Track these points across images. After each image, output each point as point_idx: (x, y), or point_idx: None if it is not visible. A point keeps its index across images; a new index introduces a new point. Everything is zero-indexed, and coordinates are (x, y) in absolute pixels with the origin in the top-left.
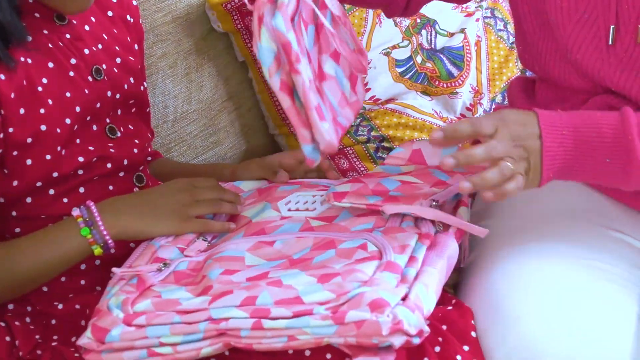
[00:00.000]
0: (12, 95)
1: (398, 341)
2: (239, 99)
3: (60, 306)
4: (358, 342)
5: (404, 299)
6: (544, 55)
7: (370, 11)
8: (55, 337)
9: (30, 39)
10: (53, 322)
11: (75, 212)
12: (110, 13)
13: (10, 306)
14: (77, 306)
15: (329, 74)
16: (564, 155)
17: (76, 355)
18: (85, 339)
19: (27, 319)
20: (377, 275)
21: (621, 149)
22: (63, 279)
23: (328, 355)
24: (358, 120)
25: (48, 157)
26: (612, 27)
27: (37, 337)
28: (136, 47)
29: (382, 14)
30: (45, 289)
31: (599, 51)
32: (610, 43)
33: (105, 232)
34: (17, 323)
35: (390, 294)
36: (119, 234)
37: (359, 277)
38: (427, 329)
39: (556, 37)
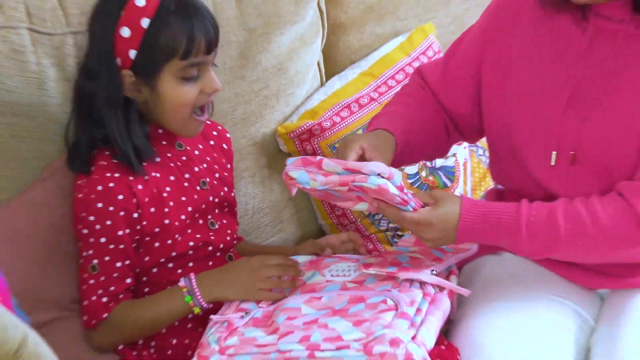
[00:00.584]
0: (146, 200)
1: None
2: (297, 200)
3: (174, 341)
4: None
5: (413, 338)
6: (510, 173)
7: None
8: None
9: (158, 159)
10: (169, 352)
11: (181, 283)
12: (212, 142)
13: (140, 341)
14: (186, 341)
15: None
16: (473, 232)
17: None
18: None
19: (152, 350)
20: (394, 321)
21: (511, 237)
22: (176, 323)
23: None
24: (380, 217)
25: (169, 241)
26: (554, 152)
27: None
28: (228, 166)
29: None
30: (163, 330)
31: (546, 169)
32: (552, 164)
33: (201, 300)
34: (144, 353)
35: (404, 334)
36: (210, 300)
37: (381, 323)
38: (427, 358)
39: (518, 159)
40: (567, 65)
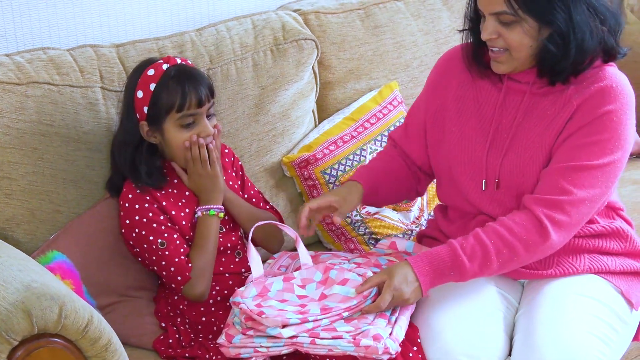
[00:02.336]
0: (164, 203)
1: (386, 357)
2: (297, 210)
3: (203, 318)
4: (365, 355)
5: (390, 334)
6: (451, 195)
7: (366, 163)
8: (200, 336)
9: (167, 181)
10: (199, 327)
11: (197, 214)
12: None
13: (179, 319)
14: (213, 319)
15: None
16: (430, 275)
17: (211, 345)
18: (221, 339)
19: (187, 325)
20: (375, 320)
21: (456, 264)
22: (202, 308)
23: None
24: (359, 224)
25: (187, 237)
26: (483, 180)
27: (191, 335)
28: (234, 175)
29: None
30: (195, 311)
31: (479, 193)
32: (483, 189)
33: (214, 207)
34: (182, 328)
35: (383, 331)
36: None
37: (366, 321)
38: (399, 350)
39: (457, 186)
40: (488, 116)
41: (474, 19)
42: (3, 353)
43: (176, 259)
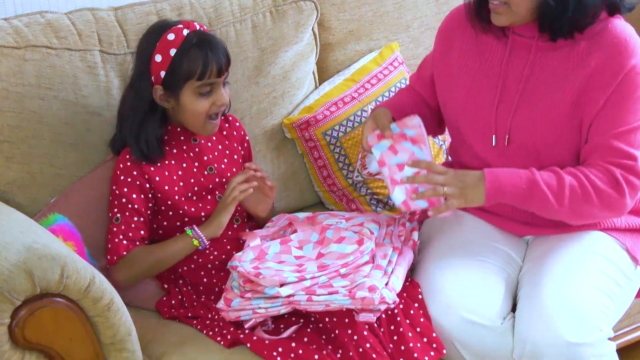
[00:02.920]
0: (157, 179)
1: (383, 307)
2: (298, 174)
3: (205, 280)
4: (362, 307)
5: (386, 284)
6: (462, 152)
7: None
8: (203, 297)
9: (175, 151)
10: (201, 288)
11: (190, 233)
12: (224, 132)
13: (180, 281)
14: (214, 280)
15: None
16: (498, 182)
17: (213, 305)
18: (220, 304)
19: (189, 287)
20: (372, 272)
21: (530, 181)
22: (202, 272)
23: (344, 309)
24: (360, 185)
25: (181, 211)
26: (493, 135)
27: (194, 296)
28: (240, 149)
29: None
30: (195, 274)
31: (489, 149)
32: (493, 144)
33: (202, 235)
34: (184, 289)
35: (379, 282)
36: (209, 235)
37: (362, 274)
38: (397, 300)
39: (467, 142)
40: (495, 71)
41: None
42: (6, 312)
43: (116, 239)
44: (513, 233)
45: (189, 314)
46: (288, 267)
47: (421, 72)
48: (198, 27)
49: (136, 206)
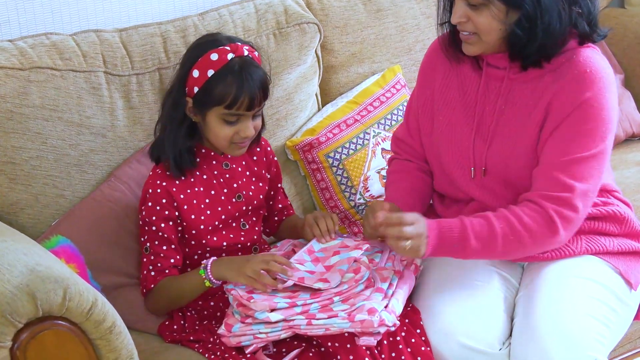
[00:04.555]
0: (185, 207)
1: (383, 329)
2: (302, 194)
3: (208, 304)
4: (362, 330)
5: (385, 307)
6: (443, 183)
7: (370, 146)
8: (205, 322)
9: (205, 176)
10: (205, 312)
11: (203, 262)
12: (255, 157)
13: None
14: (218, 304)
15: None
16: (435, 241)
17: (216, 329)
18: (221, 330)
19: (192, 311)
20: (372, 295)
21: (462, 238)
22: (206, 297)
23: (345, 334)
24: (362, 207)
25: (204, 241)
26: (472, 168)
27: (196, 320)
28: (267, 175)
29: (377, 148)
30: (199, 299)
31: (468, 180)
32: (472, 177)
33: (210, 276)
34: (188, 314)
35: (378, 305)
36: (217, 277)
37: (362, 298)
38: (397, 323)
39: (447, 173)
40: (471, 103)
41: (448, 7)
42: (8, 335)
43: (145, 271)
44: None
45: (191, 338)
46: (281, 292)
47: (406, 119)
48: (247, 52)
49: (165, 235)
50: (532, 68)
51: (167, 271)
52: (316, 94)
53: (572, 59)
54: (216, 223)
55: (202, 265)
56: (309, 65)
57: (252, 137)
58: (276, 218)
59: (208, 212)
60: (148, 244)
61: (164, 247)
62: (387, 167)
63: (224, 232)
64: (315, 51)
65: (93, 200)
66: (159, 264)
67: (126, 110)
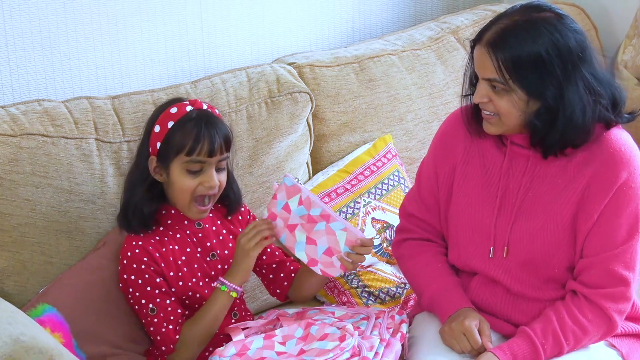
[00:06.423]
0: (162, 265)
1: None
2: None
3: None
4: None
5: None
6: (458, 258)
7: (360, 215)
8: (210, 349)
9: (179, 235)
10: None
11: (215, 284)
12: (229, 217)
13: None
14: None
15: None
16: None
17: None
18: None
19: None
20: None
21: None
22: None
23: None
24: (352, 277)
25: (184, 296)
26: (491, 248)
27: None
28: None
29: (367, 217)
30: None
31: (485, 260)
32: (490, 256)
33: (231, 285)
34: None
35: None
36: (239, 283)
37: None
38: None
39: (463, 250)
40: (494, 181)
41: (474, 81)
42: None
43: (163, 329)
44: (498, 332)
45: None
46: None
47: (421, 192)
48: (206, 107)
49: (163, 289)
50: (552, 157)
51: (180, 321)
52: (307, 163)
53: (602, 138)
54: (194, 280)
55: (218, 284)
56: (300, 134)
57: (215, 192)
58: (282, 275)
59: (185, 269)
60: (151, 305)
61: (168, 301)
62: (398, 248)
63: (206, 291)
64: (307, 120)
65: (81, 268)
66: (171, 317)
67: (116, 177)
